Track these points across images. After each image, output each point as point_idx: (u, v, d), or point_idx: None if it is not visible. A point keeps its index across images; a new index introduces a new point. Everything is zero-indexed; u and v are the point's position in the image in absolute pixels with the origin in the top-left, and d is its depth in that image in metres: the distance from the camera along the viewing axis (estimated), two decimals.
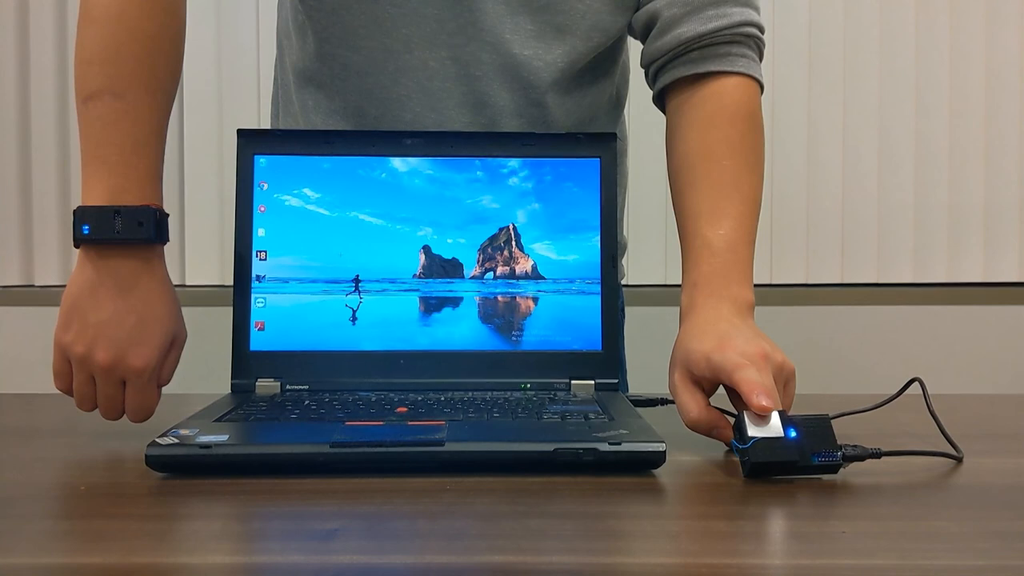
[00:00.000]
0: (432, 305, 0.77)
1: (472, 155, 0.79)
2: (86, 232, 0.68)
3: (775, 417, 0.59)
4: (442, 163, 0.79)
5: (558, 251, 0.78)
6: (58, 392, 0.71)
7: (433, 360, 0.76)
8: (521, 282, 0.78)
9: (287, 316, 0.76)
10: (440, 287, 0.78)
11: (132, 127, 0.70)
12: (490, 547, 0.45)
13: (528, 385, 0.76)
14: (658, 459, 0.58)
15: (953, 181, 1.88)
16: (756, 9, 0.84)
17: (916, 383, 0.68)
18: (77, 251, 0.70)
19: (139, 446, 0.59)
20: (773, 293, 1.84)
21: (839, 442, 0.58)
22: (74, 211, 0.69)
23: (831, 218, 1.87)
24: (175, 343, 0.71)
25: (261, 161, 0.78)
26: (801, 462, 0.57)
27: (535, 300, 0.78)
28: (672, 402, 0.69)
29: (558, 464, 0.57)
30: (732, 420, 0.63)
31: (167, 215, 0.71)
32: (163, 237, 0.71)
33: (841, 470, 0.58)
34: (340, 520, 0.49)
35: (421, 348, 0.77)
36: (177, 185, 1.83)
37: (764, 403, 0.59)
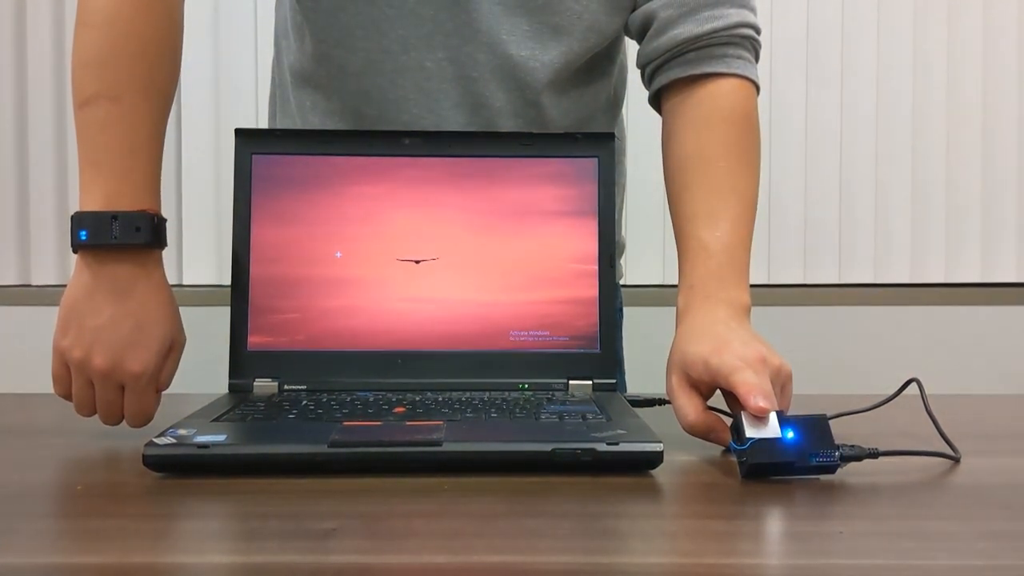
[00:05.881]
0: (431, 306, 0.77)
1: (470, 155, 0.79)
2: (84, 237, 0.68)
3: (772, 417, 0.59)
4: (440, 163, 0.79)
5: (555, 250, 0.78)
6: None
7: (431, 360, 0.76)
8: (520, 282, 0.78)
9: (284, 316, 0.76)
10: (439, 288, 0.78)
11: (128, 131, 0.70)
12: (487, 547, 0.45)
13: (526, 385, 0.76)
14: (656, 459, 0.58)
15: (950, 181, 1.88)
16: (752, 10, 0.84)
17: (913, 383, 0.69)
18: (75, 256, 0.70)
19: (136, 446, 0.59)
20: (770, 293, 1.84)
21: (836, 442, 0.58)
22: (71, 216, 0.68)
23: (828, 218, 1.87)
24: (173, 347, 0.71)
25: (259, 160, 0.78)
26: (799, 463, 0.57)
27: (533, 300, 0.78)
28: (670, 402, 0.69)
29: (556, 464, 0.57)
30: (729, 422, 0.63)
31: (165, 220, 0.71)
32: (161, 242, 0.71)
33: (839, 470, 0.59)
34: (338, 520, 0.49)
35: (419, 348, 0.76)
36: (175, 184, 1.82)
37: (762, 404, 0.59)
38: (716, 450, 0.65)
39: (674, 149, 0.81)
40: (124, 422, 0.70)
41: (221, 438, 0.58)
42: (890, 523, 0.49)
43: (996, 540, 0.46)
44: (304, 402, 0.70)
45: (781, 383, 0.66)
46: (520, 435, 0.60)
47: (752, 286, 0.75)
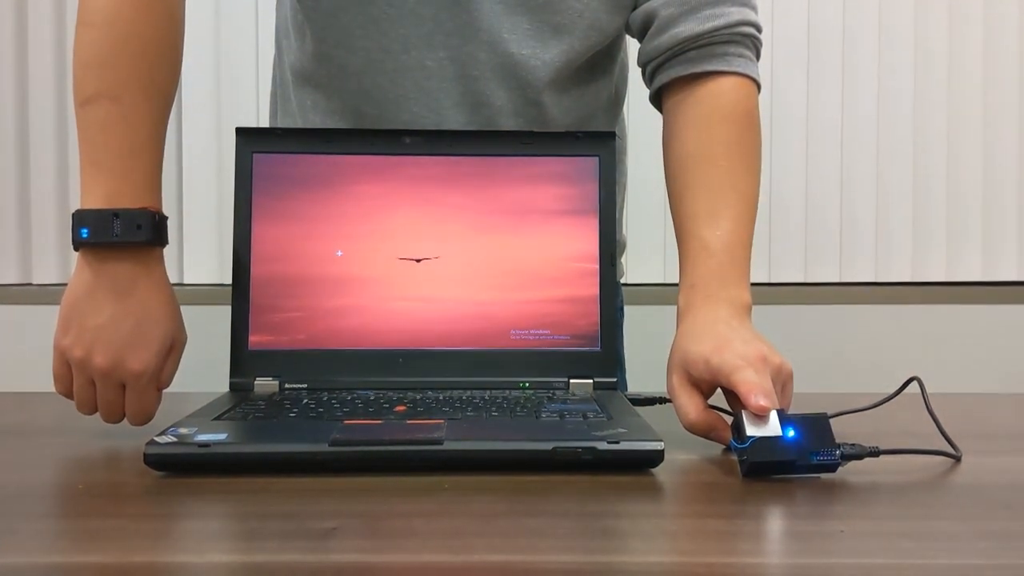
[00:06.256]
0: (432, 304, 0.77)
1: (471, 153, 0.79)
2: (85, 235, 0.68)
3: (773, 416, 0.59)
4: (441, 162, 0.79)
5: (556, 249, 0.78)
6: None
7: (432, 359, 0.76)
8: (521, 281, 0.78)
9: (285, 315, 0.76)
10: (440, 286, 0.78)
11: (129, 131, 0.70)
12: (488, 546, 0.45)
13: (527, 384, 0.76)
14: (656, 458, 0.58)
15: (951, 180, 1.88)
16: (753, 8, 0.84)
17: (914, 382, 0.69)
18: (76, 254, 0.69)
19: (137, 445, 0.59)
20: (771, 292, 1.84)
21: (837, 441, 0.58)
22: (73, 214, 0.68)
23: (829, 217, 1.87)
24: (174, 346, 0.71)
25: (260, 159, 0.78)
26: (799, 461, 0.57)
27: (534, 299, 0.78)
28: (671, 401, 0.69)
29: (556, 463, 0.57)
30: (730, 421, 0.63)
31: (166, 218, 0.71)
32: (162, 240, 0.71)
33: (839, 469, 0.59)
34: (338, 519, 0.49)
35: (420, 347, 0.76)
36: (175, 183, 1.82)
37: (762, 403, 0.59)
38: (717, 449, 0.65)
39: (675, 148, 0.81)
40: (125, 421, 0.70)
41: (222, 437, 0.58)
42: (890, 522, 0.49)
43: (997, 539, 0.46)
44: (305, 401, 0.70)
45: (782, 382, 0.66)
46: (521, 434, 0.60)
47: (753, 285, 0.75)
